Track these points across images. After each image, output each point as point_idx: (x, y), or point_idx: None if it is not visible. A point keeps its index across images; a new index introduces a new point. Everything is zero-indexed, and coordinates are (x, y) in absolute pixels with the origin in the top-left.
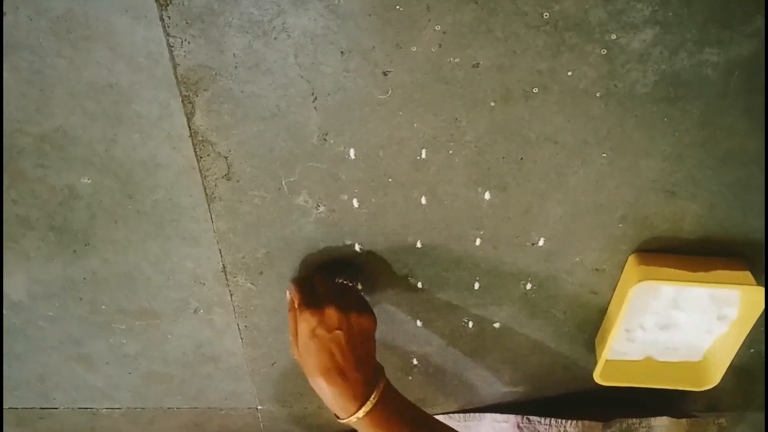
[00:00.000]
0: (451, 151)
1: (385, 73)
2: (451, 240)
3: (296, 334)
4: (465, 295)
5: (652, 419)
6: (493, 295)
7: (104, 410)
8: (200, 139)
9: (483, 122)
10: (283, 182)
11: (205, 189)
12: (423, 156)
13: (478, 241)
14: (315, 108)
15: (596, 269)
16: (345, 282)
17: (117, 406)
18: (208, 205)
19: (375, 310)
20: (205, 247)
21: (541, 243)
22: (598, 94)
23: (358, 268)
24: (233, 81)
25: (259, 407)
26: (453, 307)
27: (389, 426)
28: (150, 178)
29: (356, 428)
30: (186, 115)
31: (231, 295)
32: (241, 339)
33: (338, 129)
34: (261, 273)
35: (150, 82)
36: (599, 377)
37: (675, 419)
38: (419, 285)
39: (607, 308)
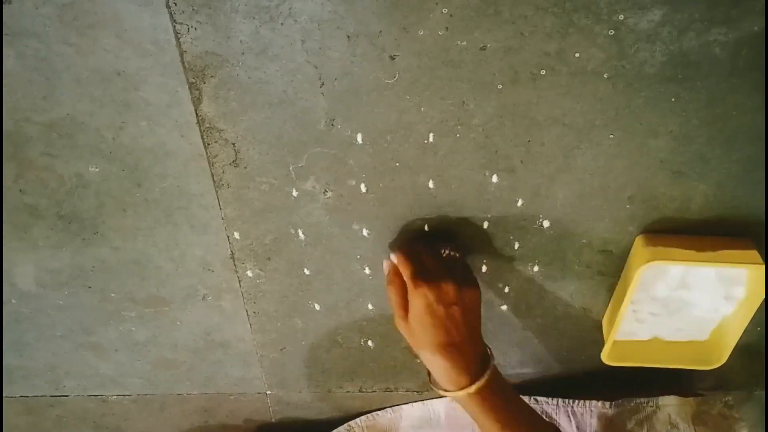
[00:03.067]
0: (458, 135)
1: (392, 57)
2: (459, 223)
3: (402, 307)
4: None
5: (660, 398)
6: (501, 278)
7: (114, 397)
8: (208, 126)
9: (490, 105)
10: (291, 168)
11: (212, 176)
12: (430, 140)
13: (485, 224)
14: (322, 93)
15: (603, 250)
16: (451, 253)
17: (127, 393)
18: (216, 192)
19: None
20: (213, 234)
21: (548, 225)
22: (605, 75)
23: (458, 238)
24: (240, 67)
25: (268, 392)
26: None
27: (494, 404)
28: (158, 165)
29: (461, 403)
30: (193, 102)
31: (239, 281)
32: (250, 325)
33: (345, 114)
34: (269, 259)
35: (157, 69)
36: (607, 358)
37: (682, 398)
38: None
39: (614, 289)
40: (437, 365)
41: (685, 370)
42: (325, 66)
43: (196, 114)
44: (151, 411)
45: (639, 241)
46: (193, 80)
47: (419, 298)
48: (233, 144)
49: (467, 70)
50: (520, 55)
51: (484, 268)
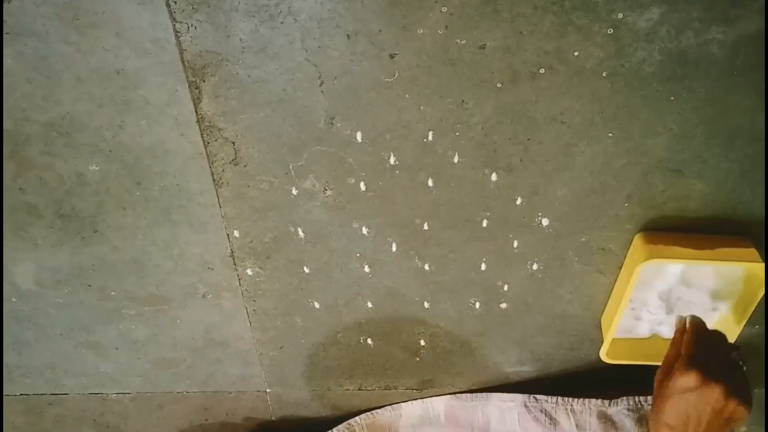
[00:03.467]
0: (458, 133)
1: (391, 56)
2: (459, 222)
3: (669, 366)
4: (472, 276)
5: None
6: (500, 276)
7: (114, 395)
8: (207, 124)
9: (490, 104)
10: (291, 167)
11: (212, 174)
12: (430, 138)
13: (485, 223)
14: (322, 92)
15: (602, 248)
16: (738, 359)
17: (127, 391)
18: (216, 191)
19: None
20: (213, 232)
21: (547, 223)
22: (604, 74)
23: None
24: (240, 66)
25: (267, 390)
26: (460, 288)
27: None
28: (158, 164)
29: None
30: (193, 100)
31: (239, 279)
32: (250, 323)
33: (345, 113)
34: (269, 257)
35: (157, 67)
36: (605, 355)
37: None
38: (426, 267)
39: (613, 287)
40: None
41: None
42: (324, 64)
43: (196, 112)
44: (150, 409)
45: (638, 240)
46: (193, 79)
47: (683, 379)
48: (233, 142)
49: (467, 69)
50: (519, 54)
51: (483, 266)
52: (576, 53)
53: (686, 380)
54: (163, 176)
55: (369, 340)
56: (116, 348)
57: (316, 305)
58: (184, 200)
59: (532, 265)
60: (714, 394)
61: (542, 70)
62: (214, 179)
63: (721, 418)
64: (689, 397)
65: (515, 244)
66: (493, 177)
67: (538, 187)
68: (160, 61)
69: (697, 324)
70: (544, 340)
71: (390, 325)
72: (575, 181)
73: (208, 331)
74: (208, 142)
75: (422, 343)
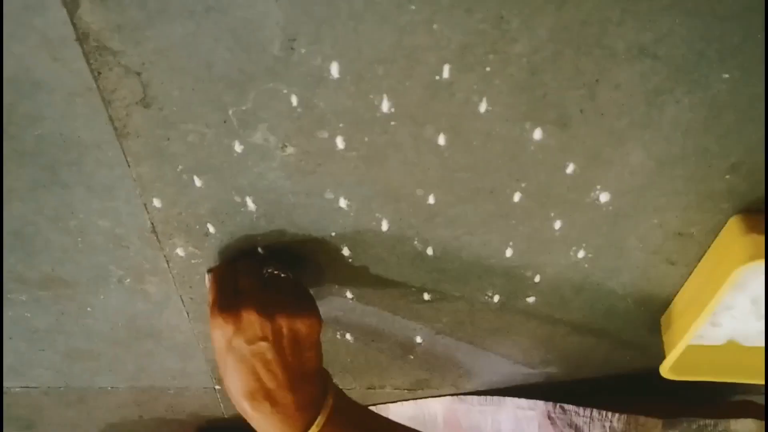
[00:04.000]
0: (489, 68)
1: None
2: (479, 194)
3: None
4: (492, 263)
5: (732, 421)
6: (531, 264)
7: (17, 389)
8: (94, 44)
9: (544, 24)
10: (230, 112)
11: (111, 120)
12: (445, 75)
13: (517, 196)
14: None
15: (680, 233)
16: (274, 272)
17: (33, 384)
18: (120, 144)
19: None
20: (122, 200)
21: (606, 199)
22: None
23: (297, 255)
24: None
25: (217, 387)
26: (474, 277)
27: None
28: (25, 102)
29: None
30: (66, 4)
31: (167, 261)
32: (187, 313)
33: (313, 32)
34: (206, 234)
35: None
36: (670, 370)
37: (759, 421)
38: (429, 251)
39: (685, 282)
40: (249, 418)
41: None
42: None
43: (73, 24)
44: (68, 404)
45: (734, 225)
46: None
47: (216, 331)
48: (138, 74)
49: None
50: None
51: (508, 252)
52: None
53: (217, 328)
54: (35, 120)
55: (348, 335)
56: (10, 337)
57: None
58: (75, 155)
59: (578, 252)
60: (254, 323)
61: None
62: (115, 127)
63: (286, 345)
64: (234, 345)
65: (557, 225)
66: (537, 134)
67: (602, 149)
68: None
69: (215, 272)
70: (579, 339)
71: (376, 320)
72: (659, 142)
73: (131, 321)
74: (99, 72)
75: (418, 339)
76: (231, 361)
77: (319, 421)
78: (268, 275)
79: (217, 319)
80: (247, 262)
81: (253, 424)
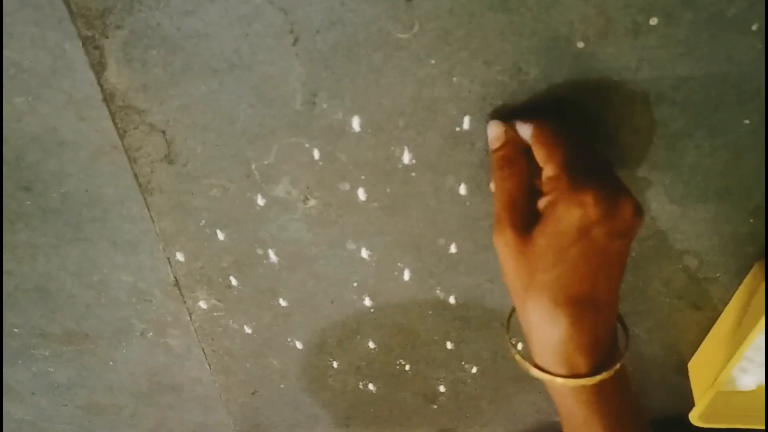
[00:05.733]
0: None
1: None
2: None
3: (515, 210)
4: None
5: None
6: None
7: None
8: (120, 104)
9: (563, 72)
10: (253, 166)
11: (136, 176)
12: (465, 126)
13: None
14: (296, 54)
15: (705, 278)
16: (608, 160)
17: None
18: (144, 199)
19: None
20: (146, 254)
21: None
22: (755, 27)
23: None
24: (162, 12)
25: None
26: (497, 325)
27: (612, 406)
28: (51, 160)
29: (558, 392)
30: (93, 67)
31: (189, 314)
32: (209, 365)
33: (334, 87)
34: (229, 286)
35: (28, 14)
36: (699, 418)
37: None
38: (451, 300)
39: (712, 326)
40: (551, 327)
41: None
42: (299, 10)
43: (100, 85)
44: None
45: (759, 269)
46: (89, 33)
47: (574, 207)
48: (163, 131)
49: (529, 18)
50: None
51: None
52: None
53: (580, 204)
54: (62, 178)
55: (371, 386)
56: (32, 393)
57: (298, 345)
58: (100, 211)
59: None
60: (628, 215)
61: (654, 20)
62: (139, 183)
63: (627, 251)
64: (592, 233)
65: None
66: None
67: None
68: (30, 2)
69: (537, 121)
70: None
71: (399, 369)
72: (680, 186)
73: (153, 374)
74: (125, 131)
75: (441, 389)
76: (575, 250)
77: (621, 358)
78: (604, 160)
79: (586, 192)
80: (576, 135)
81: (552, 339)
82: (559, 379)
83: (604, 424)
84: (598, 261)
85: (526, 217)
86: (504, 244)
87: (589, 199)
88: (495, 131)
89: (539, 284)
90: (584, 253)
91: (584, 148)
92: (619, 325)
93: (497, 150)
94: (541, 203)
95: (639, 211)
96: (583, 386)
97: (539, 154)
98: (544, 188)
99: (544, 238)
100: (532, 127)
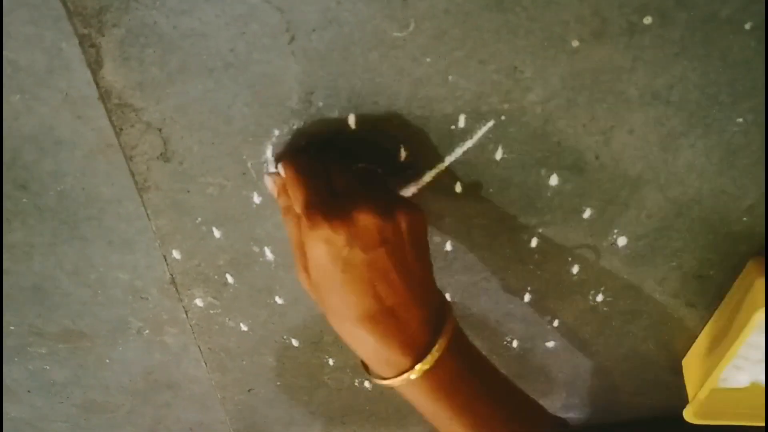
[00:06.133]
0: (504, 117)
1: None
2: (497, 240)
3: (302, 249)
4: (510, 309)
5: None
6: (549, 309)
7: None
8: (117, 102)
9: (558, 73)
10: (250, 165)
11: (133, 175)
12: (461, 124)
13: (534, 242)
14: (293, 53)
15: (699, 276)
16: (368, 166)
17: None
18: (141, 197)
19: None
20: (142, 252)
21: (624, 243)
22: (748, 26)
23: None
24: (158, 11)
25: None
26: (492, 323)
27: (453, 391)
28: (47, 159)
29: (403, 393)
30: (89, 65)
31: (186, 311)
32: (205, 363)
33: (330, 85)
34: (225, 284)
35: (24, 12)
36: (693, 415)
37: None
38: (447, 297)
39: (705, 324)
40: (362, 343)
41: None
42: (295, 9)
43: (97, 84)
44: None
45: (753, 267)
46: (86, 31)
47: (319, 244)
48: (159, 129)
49: (524, 18)
50: None
51: (527, 297)
52: None
53: (321, 239)
54: (58, 177)
55: (366, 383)
56: (29, 391)
57: (294, 343)
58: (95, 210)
59: (596, 295)
60: (371, 227)
61: (648, 19)
62: (135, 181)
63: (407, 248)
64: (345, 257)
65: (575, 269)
66: (553, 180)
67: (618, 193)
68: (24, 1)
69: (290, 161)
70: (600, 383)
71: None
72: (675, 185)
73: (149, 372)
74: (121, 129)
75: None
76: (342, 277)
77: (441, 343)
78: (360, 169)
79: (322, 227)
80: (334, 156)
81: (362, 349)
82: (393, 380)
83: (454, 407)
84: (368, 275)
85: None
86: (300, 280)
87: (326, 232)
88: (268, 185)
89: (332, 312)
90: (350, 275)
91: (332, 177)
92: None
93: (277, 199)
94: (304, 241)
95: (384, 218)
96: (416, 379)
97: (291, 198)
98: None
99: (313, 273)
100: (283, 171)
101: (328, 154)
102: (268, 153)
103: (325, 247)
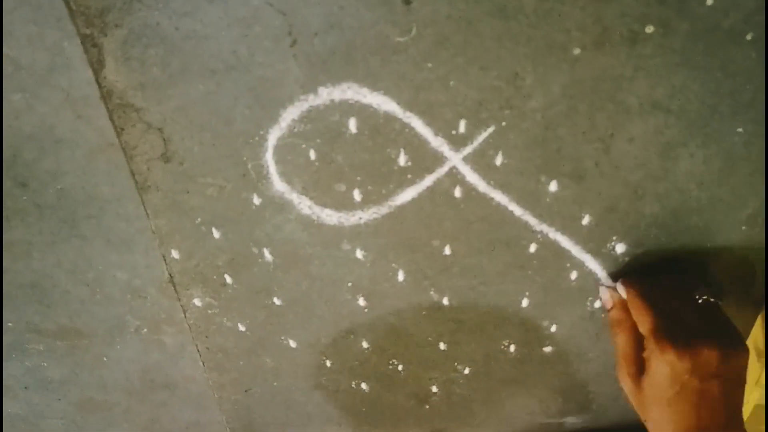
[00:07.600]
0: (504, 123)
1: (406, 1)
2: (495, 245)
3: (632, 362)
4: (508, 313)
5: None
6: (547, 314)
7: None
8: (118, 102)
9: (559, 81)
10: (250, 166)
11: (133, 175)
12: (461, 130)
13: (533, 247)
14: (294, 56)
15: None
16: (710, 299)
17: None
18: (141, 197)
19: None
20: (141, 252)
21: (623, 250)
22: (749, 37)
23: (714, 277)
24: (161, 12)
25: None
26: (490, 327)
27: None
28: (47, 158)
29: None
30: (91, 65)
31: (184, 311)
32: (202, 363)
33: (331, 88)
34: (223, 285)
35: (26, 11)
36: None
37: None
38: (445, 301)
39: None
40: None
41: None
42: (297, 12)
43: (98, 83)
44: None
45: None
46: (88, 31)
47: (664, 366)
48: (160, 129)
49: (526, 25)
50: (616, 2)
51: (524, 302)
52: (709, 1)
53: (667, 363)
54: (58, 176)
55: (363, 385)
56: (25, 387)
57: (292, 344)
58: (95, 209)
59: (594, 301)
60: (712, 361)
61: (650, 28)
62: (136, 181)
63: (733, 384)
64: (684, 381)
65: (573, 275)
66: (552, 186)
67: (618, 201)
68: (27, 0)
69: (634, 283)
70: (596, 389)
71: (392, 369)
72: (674, 194)
73: (146, 371)
74: (122, 129)
75: (434, 389)
76: (673, 397)
77: None
78: (703, 301)
79: (669, 353)
80: (672, 281)
81: None
82: None
83: None
84: (697, 401)
85: (639, 365)
86: (624, 384)
87: (672, 357)
88: (604, 296)
89: (653, 420)
90: (681, 398)
91: (673, 304)
92: None
93: (609, 311)
94: (645, 356)
95: (722, 354)
96: None
97: (634, 317)
98: (645, 344)
99: (648, 387)
100: (625, 292)
101: (669, 281)
102: (268, 156)
103: (668, 370)
